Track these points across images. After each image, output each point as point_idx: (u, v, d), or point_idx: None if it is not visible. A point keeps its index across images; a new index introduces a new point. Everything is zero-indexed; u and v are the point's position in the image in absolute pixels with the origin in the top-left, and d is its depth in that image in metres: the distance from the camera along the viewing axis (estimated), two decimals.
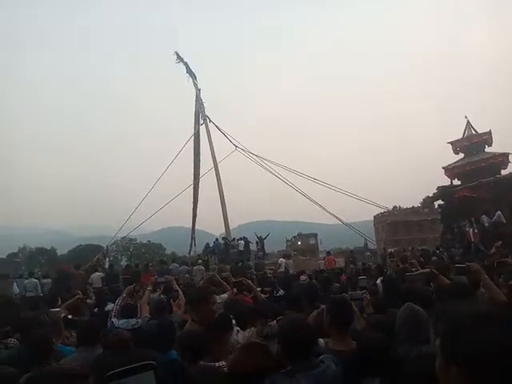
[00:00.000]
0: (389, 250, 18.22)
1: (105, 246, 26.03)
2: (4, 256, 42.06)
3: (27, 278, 13.27)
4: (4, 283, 12.87)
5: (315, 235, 34.81)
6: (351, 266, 15.13)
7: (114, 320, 4.08)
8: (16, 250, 44.28)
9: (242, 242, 20.97)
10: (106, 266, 17.80)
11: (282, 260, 16.15)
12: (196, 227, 29.10)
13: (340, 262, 17.19)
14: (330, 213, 24.06)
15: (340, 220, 24.81)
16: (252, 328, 2.91)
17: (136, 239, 56.28)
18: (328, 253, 19.67)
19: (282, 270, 14.71)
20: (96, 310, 6.88)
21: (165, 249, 57.48)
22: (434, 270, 4.81)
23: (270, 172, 25.20)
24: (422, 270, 5.32)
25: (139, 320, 3.97)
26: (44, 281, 13.84)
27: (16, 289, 12.33)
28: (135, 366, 0.76)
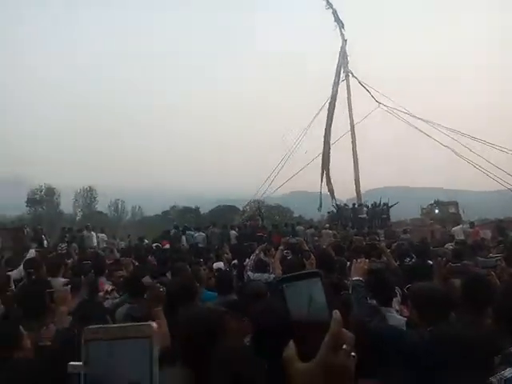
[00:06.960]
0: None
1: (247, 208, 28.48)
2: (159, 213, 49.72)
3: (195, 232, 15.86)
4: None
5: (455, 203, 31.14)
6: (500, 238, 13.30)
7: (250, 273, 4.52)
8: (168, 209, 51.39)
9: (365, 208, 20.62)
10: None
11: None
12: (322, 191, 28.27)
13: (487, 234, 15.28)
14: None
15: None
16: None
17: (265, 202, 59.08)
18: (471, 224, 17.62)
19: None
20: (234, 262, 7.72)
21: (292, 212, 59.14)
22: None
23: (419, 130, 23.23)
24: None
25: (271, 275, 4.32)
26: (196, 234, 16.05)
27: (184, 241, 14.65)
28: (303, 272, 0.80)
